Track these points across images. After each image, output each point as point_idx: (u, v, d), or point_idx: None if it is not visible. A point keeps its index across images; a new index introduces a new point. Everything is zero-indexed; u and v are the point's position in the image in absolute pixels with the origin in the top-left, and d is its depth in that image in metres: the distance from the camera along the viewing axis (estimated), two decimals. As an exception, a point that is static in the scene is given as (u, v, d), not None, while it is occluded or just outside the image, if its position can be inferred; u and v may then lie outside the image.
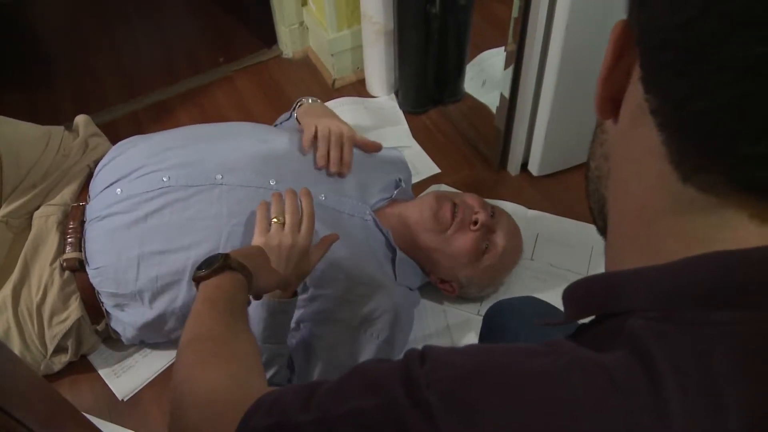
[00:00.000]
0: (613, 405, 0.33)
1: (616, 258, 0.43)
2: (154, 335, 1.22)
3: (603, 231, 0.47)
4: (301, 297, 1.14)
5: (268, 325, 1.03)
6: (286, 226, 1.01)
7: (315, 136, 1.24)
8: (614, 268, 0.40)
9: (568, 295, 0.43)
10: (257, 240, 1.01)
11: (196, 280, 0.80)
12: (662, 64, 0.34)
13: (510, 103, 1.43)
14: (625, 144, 0.40)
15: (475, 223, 1.19)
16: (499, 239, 1.23)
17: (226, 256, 0.81)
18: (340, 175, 1.24)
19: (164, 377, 1.25)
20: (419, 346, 0.42)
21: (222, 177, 1.14)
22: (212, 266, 0.79)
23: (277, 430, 0.43)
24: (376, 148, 1.33)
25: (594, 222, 0.48)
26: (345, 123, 1.32)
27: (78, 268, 1.15)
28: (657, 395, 0.32)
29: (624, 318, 0.36)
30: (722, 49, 0.31)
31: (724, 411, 0.31)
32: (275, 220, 1.02)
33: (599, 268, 1.23)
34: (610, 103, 0.41)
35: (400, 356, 0.43)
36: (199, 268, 0.81)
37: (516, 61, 1.35)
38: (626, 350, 0.34)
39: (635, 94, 0.38)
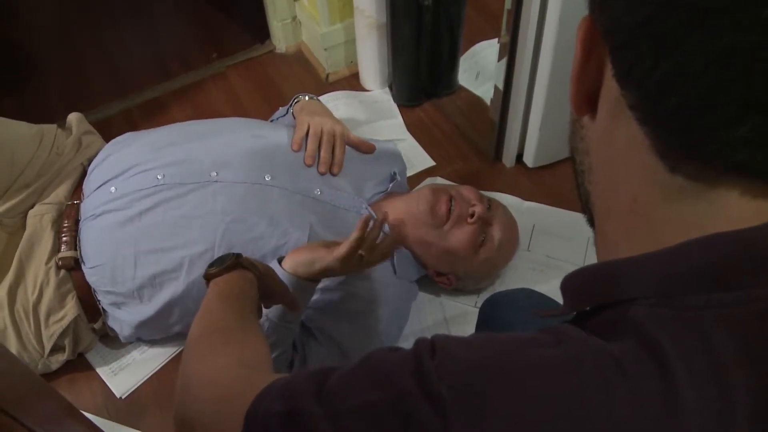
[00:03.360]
0: (624, 394, 0.33)
1: (610, 250, 0.43)
2: (150, 332, 1.22)
3: (592, 223, 0.47)
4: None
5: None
6: (365, 263, 1.02)
7: (306, 135, 1.24)
8: (608, 259, 0.40)
9: (567, 285, 0.43)
10: (337, 258, 0.99)
11: (207, 277, 0.81)
12: (632, 61, 0.35)
13: (504, 95, 1.43)
14: (607, 139, 0.40)
15: (472, 215, 1.19)
16: (496, 232, 1.23)
17: (237, 255, 0.82)
18: (331, 174, 1.24)
19: (162, 374, 1.25)
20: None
21: (217, 174, 1.14)
22: (224, 263, 0.81)
23: (290, 417, 0.43)
24: (369, 149, 1.32)
25: (583, 212, 0.49)
26: (340, 122, 1.32)
27: (74, 266, 1.15)
28: (666, 381, 0.33)
29: (625, 306, 0.36)
30: (688, 41, 0.31)
31: (733, 392, 0.32)
32: (361, 252, 1.00)
33: (595, 259, 1.23)
34: (586, 100, 0.41)
35: (393, 344, 0.43)
36: (211, 265, 0.82)
37: (510, 52, 1.35)
38: (632, 339, 0.35)
39: (611, 90, 0.38)
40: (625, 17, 0.34)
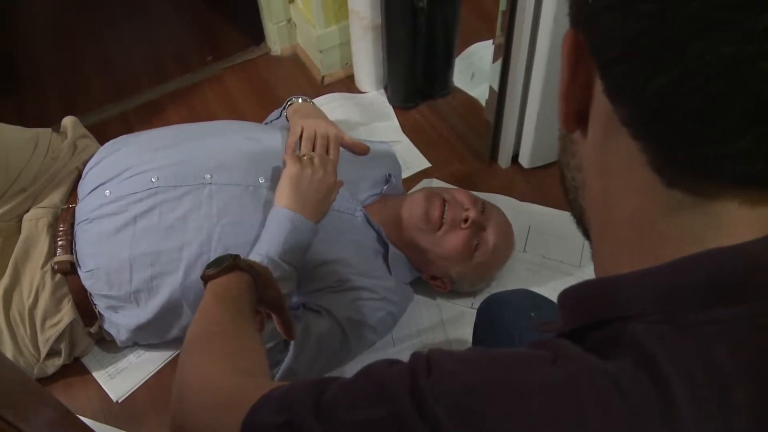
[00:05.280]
0: (622, 414, 0.33)
1: (608, 265, 0.42)
2: (148, 336, 1.22)
3: (586, 235, 0.47)
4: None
5: (287, 240, 1.04)
6: (317, 162, 1.11)
7: (300, 138, 1.24)
8: (607, 275, 0.39)
9: (564, 301, 0.42)
10: (291, 168, 1.09)
11: (205, 278, 0.80)
12: (625, 76, 0.33)
13: (499, 96, 1.43)
14: (601, 156, 0.39)
15: (466, 220, 1.19)
16: (490, 236, 1.23)
17: (235, 256, 0.81)
18: None
19: (158, 378, 1.25)
20: (416, 342, 0.42)
21: (211, 177, 1.13)
22: (221, 265, 0.79)
23: (288, 429, 0.43)
24: (363, 150, 1.30)
25: (577, 226, 0.48)
26: (333, 124, 1.31)
27: (70, 270, 1.15)
28: (665, 401, 0.32)
29: (623, 323, 0.36)
30: (686, 54, 0.30)
31: (733, 411, 0.31)
32: (306, 157, 1.10)
33: (590, 258, 1.22)
34: (576, 116, 0.40)
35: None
36: (208, 266, 0.81)
37: (504, 53, 1.35)
38: (630, 357, 0.34)
39: (602, 106, 0.37)
40: (615, 32, 0.33)
